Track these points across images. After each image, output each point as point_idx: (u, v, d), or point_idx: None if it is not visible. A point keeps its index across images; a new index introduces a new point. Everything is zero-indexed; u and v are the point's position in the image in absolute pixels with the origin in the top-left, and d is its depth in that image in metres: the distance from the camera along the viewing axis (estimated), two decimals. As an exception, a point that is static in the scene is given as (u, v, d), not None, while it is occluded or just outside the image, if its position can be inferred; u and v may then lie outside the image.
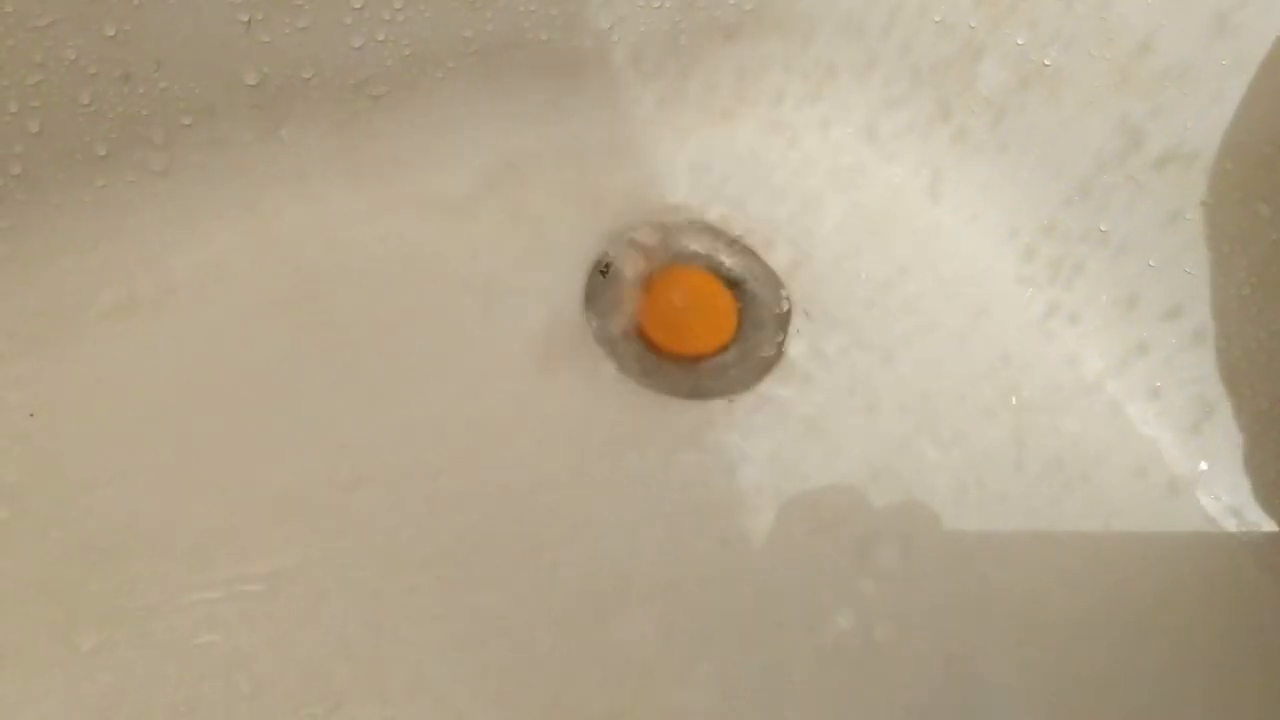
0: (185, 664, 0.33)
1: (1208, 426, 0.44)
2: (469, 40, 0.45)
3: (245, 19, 0.39)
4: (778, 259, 0.49)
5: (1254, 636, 0.42)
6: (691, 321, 0.45)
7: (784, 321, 0.47)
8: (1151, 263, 0.45)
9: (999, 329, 0.48)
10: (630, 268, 0.47)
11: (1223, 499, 0.44)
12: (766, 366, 0.45)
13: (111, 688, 0.32)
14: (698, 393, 0.44)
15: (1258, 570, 0.43)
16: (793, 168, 0.52)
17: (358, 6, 0.41)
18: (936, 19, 0.49)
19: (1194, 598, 0.42)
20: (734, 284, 0.48)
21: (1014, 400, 0.46)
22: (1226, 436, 0.43)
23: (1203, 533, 0.44)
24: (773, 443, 0.42)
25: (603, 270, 0.46)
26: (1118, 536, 0.43)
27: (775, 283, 0.48)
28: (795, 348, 0.46)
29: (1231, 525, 0.44)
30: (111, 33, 0.37)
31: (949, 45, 0.49)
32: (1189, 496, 0.45)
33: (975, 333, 0.48)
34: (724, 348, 0.45)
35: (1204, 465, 0.44)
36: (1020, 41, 0.46)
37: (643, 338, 0.45)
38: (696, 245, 0.48)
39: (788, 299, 0.47)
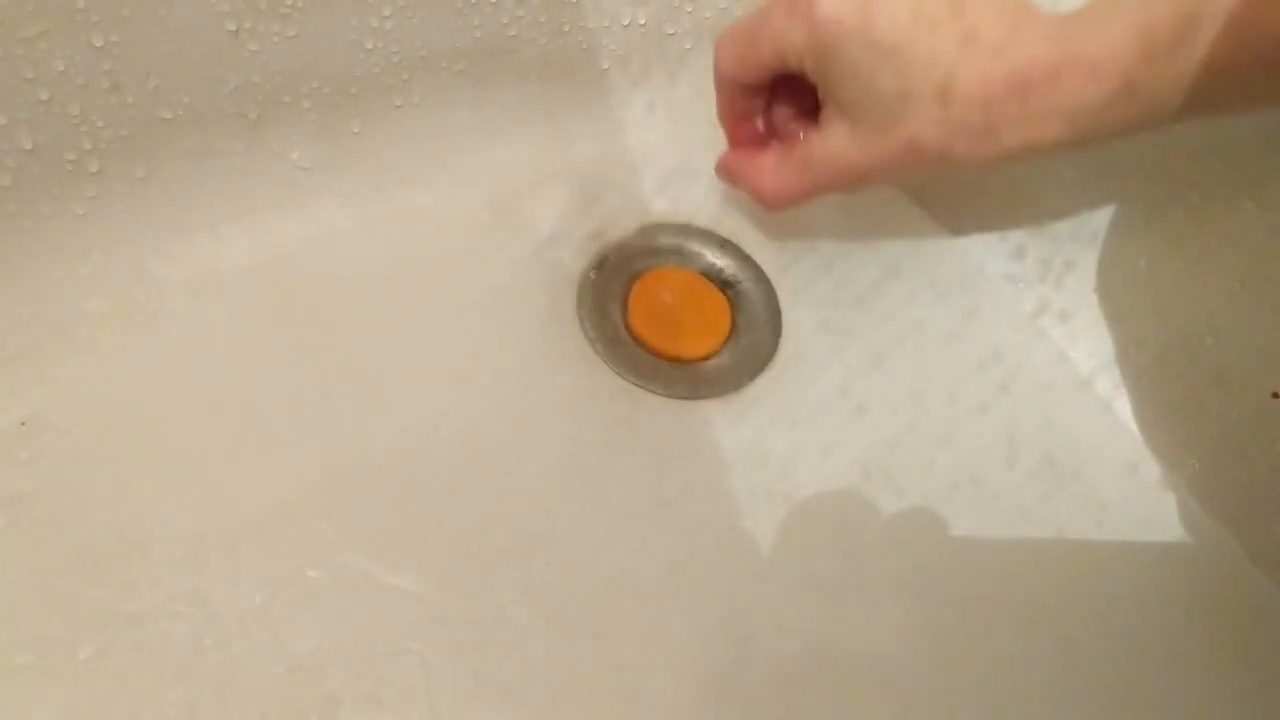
0: (181, 671, 0.33)
1: (1197, 424, 0.44)
2: (458, 48, 0.45)
3: (233, 28, 0.39)
4: (768, 260, 0.49)
5: (1246, 631, 0.42)
6: (684, 323, 0.46)
7: (776, 323, 0.47)
8: (1141, 261, 0.45)
9: (989, 327, 0.49)
10: (622, 270, 0.47)
11: (1214, 495, 0.44)
12: (758, 368, 0.45)
13: (107, 696, 0.32)
14: (691, 394, 0.44)
15: (1250, 565, 0.43)
16: (782, 169, 0.52)
17: (345, 15, 0.41)
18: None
19: (1186, 594, 0.42)
20: (726, 285, 0.48)
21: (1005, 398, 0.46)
22: (1217, 433, 0.44)
23: (1194, 528, 0.44)
24: (765, 444, 0.43)
25: (594, 272, 0.46)
26: (1109, 533, 0.43)
27: (766, 284, 0.48)
28: (786, 349, 0.46)
29: (1223, 521, 0.44)
30: (100, 43, 0.37)
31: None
32: (1181, 493, 0.45)
33: (966, 331, 0.48)
34: (716, 349, 0.45)
35: (1195, 462, 0.45)
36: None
37: (635, 339, 0.45)
38: (688, 247, 0.49)
39: (778, 300, 0.48)
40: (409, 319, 0.43)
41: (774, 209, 0.42)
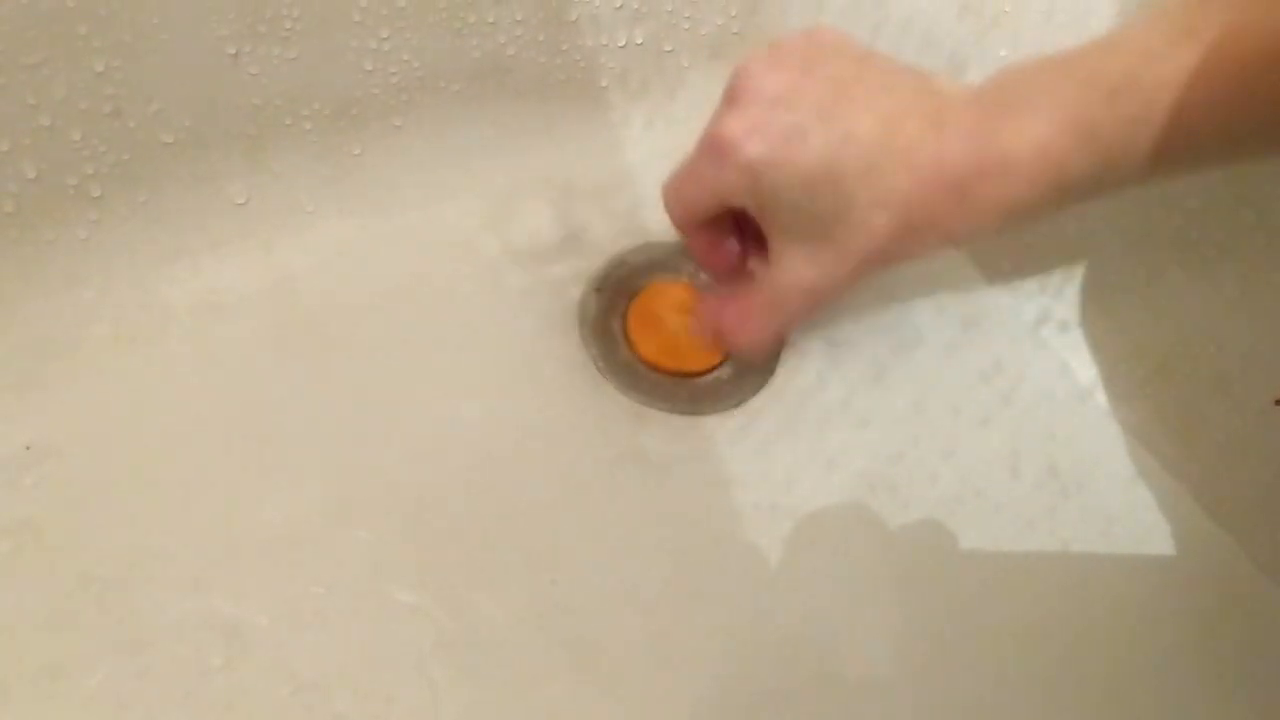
0: (190, 694, 0.33)
1: (1200, 432, 0.44)
2: (457, 68, 0.45)
3: (233, 51, 0.39)
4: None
5: (1254, 639, 0.42)
6: (685, 338, 0.46)
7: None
8: (1140, 270, 0.45)
9: (990, 339, 0.49)
10: (623, 286, 0.47)
11: (1218, 503, 0.44)
12: (760, 382, 0.45)
13: (115, 721, 0.32)
14: (693, 409, 0.44)
15: (1256, 572, 0.43)
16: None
17: (345, 37, 0.41)
18: (920, 34, 0.49)
19: (1193, 602, 0.42)
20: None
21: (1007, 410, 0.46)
22: (1220, 441, 0.44)
23: (1199, 537, 0.44)
24: (768, 458, 0.43)
25: (595, 289, 0.47)
26: (1114, 542, 0.43)
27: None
28: (787, 363, 0.46)
29: (1228, 529, 0.44)
30: (100, 69, 0.37)
31: (933, 59, 0.49)
32: (1185, 501, 0.45)
33: (966, 343, 0.48)
34: (717, 364, 0.46)
35: (1198, 470, 0.45)
36: (1004, 54, 0.47)
37: (637, 355, 0.45)
38: (688, 263, 0.49)
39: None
40: (411, 339, 0.43)
41: (748, 352, 0.43)
